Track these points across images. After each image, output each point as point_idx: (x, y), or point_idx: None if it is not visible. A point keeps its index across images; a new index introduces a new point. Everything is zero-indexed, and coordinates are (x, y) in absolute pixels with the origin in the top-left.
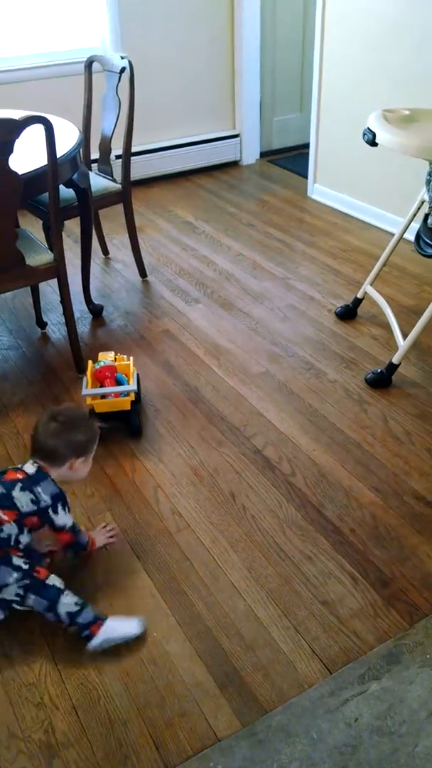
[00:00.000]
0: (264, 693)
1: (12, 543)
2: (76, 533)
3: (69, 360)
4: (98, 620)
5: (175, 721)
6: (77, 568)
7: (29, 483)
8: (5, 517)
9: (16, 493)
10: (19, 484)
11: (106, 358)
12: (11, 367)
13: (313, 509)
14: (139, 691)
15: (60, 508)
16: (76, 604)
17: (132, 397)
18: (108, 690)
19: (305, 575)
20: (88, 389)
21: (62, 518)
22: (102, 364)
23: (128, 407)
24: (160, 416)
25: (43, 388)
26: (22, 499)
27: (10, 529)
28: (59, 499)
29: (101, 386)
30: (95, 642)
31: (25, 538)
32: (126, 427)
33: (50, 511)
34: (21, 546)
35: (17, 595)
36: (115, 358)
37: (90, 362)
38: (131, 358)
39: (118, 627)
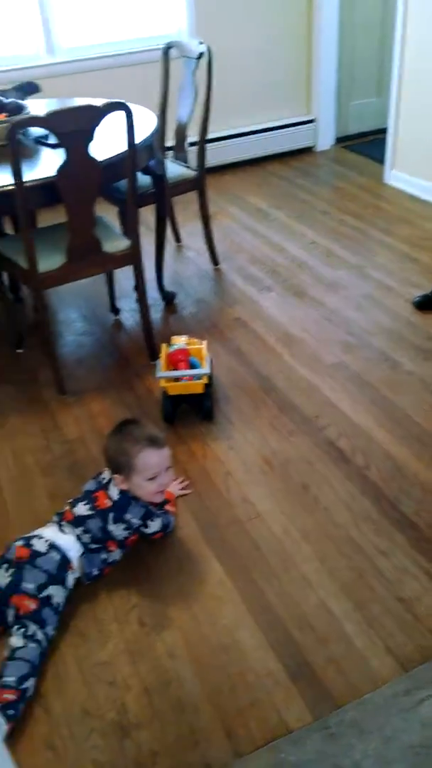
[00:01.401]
0: (336, 687)
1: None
2: (165, 530)
3: (142, 346)
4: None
5: (245, 709)
6: (152, 552)
7: (119, 512)
8: (112, 548)
9: (111, 526)
10: (111, 515)
11: (180, 341)
12: (86, 353)
13: (388, 503)
14: (210, 678)
15: (149, 522)
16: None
17: (205, 380)
18: (179, 674)
19: (380, 570)
20: (162, 372)
21: (153, 527)
22: (176, 347)
23: (201, 390)
24: (231, 404)
25: (117, 373)
26: (118, 530)
27: (113, 555)
28: (148, 516)
29: (175, 369)
30: None
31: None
32: (198, 410)
33: (142, 528)
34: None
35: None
36: (189, 342)
37: (164, 345)
38: (204, 341)
39: None
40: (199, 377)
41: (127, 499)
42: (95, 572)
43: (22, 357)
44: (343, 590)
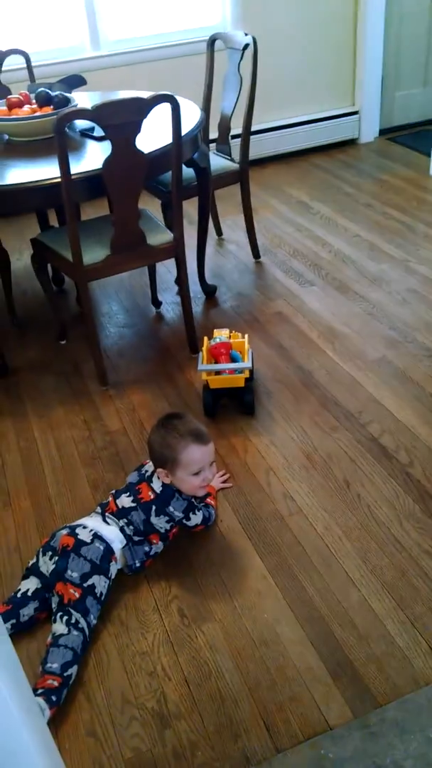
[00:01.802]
0: (378, 686)
1: (152, 555)
2: (207, 522)
3: (183, 339)
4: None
5: (285, 704)
6: (194, 545)
7: (161, 505)
8: (155, 541)
9: (154, 519)
10: (154, 508)
11: (222, 334)
12: (127, 345)
13: None
14: (250, 671)
15: (191, 515)
16: None
17: (246, 374)
18: (219, 667)
19: (423, 570)
20: (203, 365)
21: (194, 520)
22: (217, 340)
23: (242, 384)
24: (272, 399)
25: (158, 366)
26: (160, 523)
27: (155, 548)
28: (190, 509)
29: (216, 362)
30: None
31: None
32: (239, 404)
33: (184, 520)
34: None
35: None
36: (230, 336)
37: (205, 338)
38: (246, 335)
39: None
40: (240, 371)
41: (170, 492)
42: (137, 564)
43: (65, 349)
44: (386, 588)
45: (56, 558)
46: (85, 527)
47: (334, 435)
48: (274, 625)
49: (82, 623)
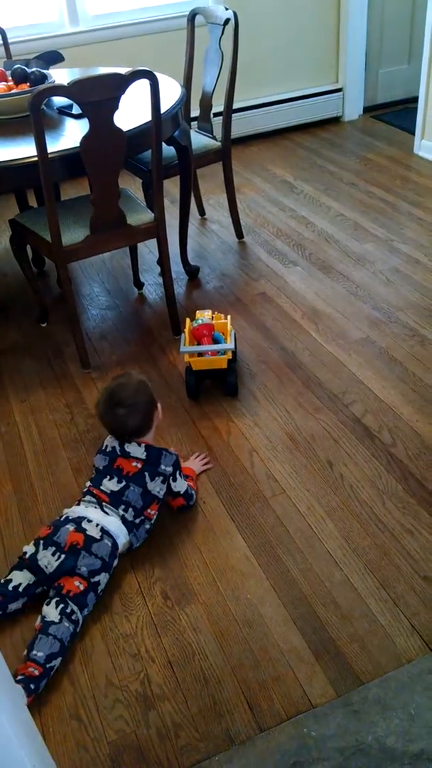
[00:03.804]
0: (360, 664)
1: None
2: (188, 498)
3: (165, 320)
4: None
5: (269, 684)
6: (177, 527)
7: (152, 467)
8: (152, 512)
9: (151, 485)
10: (147, 473)
11: (204, 316)
12: (109, 327)
13: (415, 481)
14: (234, 652)
15: (178, 474)
16: None
17: (229, 355)
18: (203, 648)
19: (405, 549)
20: (186, 347)
21: (179, 485)
22: (200, 322)
23: (225, 365)
24: (255, 380)
25: (140, 347)
26: (157, 487)
27: (152, 522)
28: (177, 465)
29: (199, 344)
30: None
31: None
32: (222, 385)
33: (170, 479)
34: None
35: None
36: (213, 317)
37: (188, 320)
38: (228, 316)
39: None
40: (223, 352)
41: (155, 451)
42: (138, 544)
43: (46, 331)
44: (368, 568)
45: (62, 555)
46: (90, 521)
47: (317, 415)
48: (257, 606)
49: (77, 616)
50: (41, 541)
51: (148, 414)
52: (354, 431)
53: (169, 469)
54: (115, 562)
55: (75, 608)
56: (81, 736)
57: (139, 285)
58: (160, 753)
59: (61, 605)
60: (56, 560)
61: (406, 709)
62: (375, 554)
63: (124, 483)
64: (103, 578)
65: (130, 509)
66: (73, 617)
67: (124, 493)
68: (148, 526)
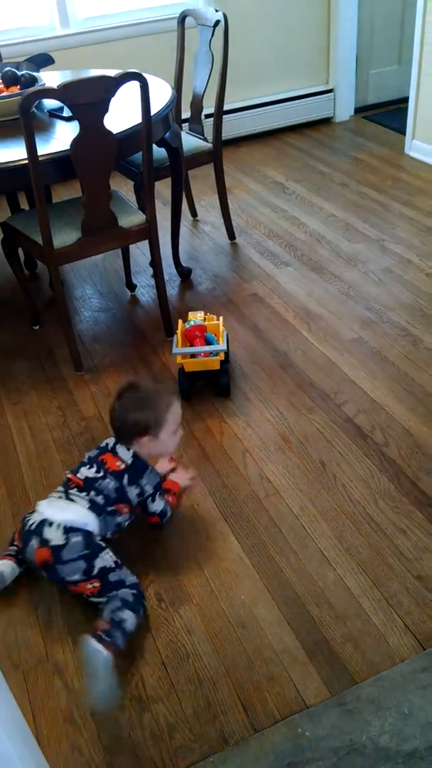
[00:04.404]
0: (354, 664)
1: (119, 529)
2: (163, 518)
3: (158, 322)
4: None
5: (263, 684)
6: (170, 528)
7: (134, 475)
8: (125, 510)
9: (127, 487)
10: (126, 477)
11: (196, 317)
12: (102, 329)
13: (408, 481)
14: (228, 653)
15: (158, 496)
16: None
17: (221, 356)
18: (197, 649)
19: (398, 548)
20: (178, 348)
21: (157, 505)
22: (192, 323)
23: (217, 367)
24: (248, 381)
25: (133, 349)
26: (132, 493)
27: (123, 518)
28: (158, 488)
29: (191, 345)
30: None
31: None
32: (215, 387)
33: (149, 499)
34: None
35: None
36: (205, 318)
37: (180, 321)
38: (221, 318)
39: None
40: (215, 354)
41: (143, 463)
42: (108, 535)
43: (39, 334)
44: (361, 567)
45: (42, 572)
46: (51, 524)
47: (309, 416)
48: (251, 607)
49: (123, 593)
50: (19, 556)
51: (135, 428)
52: (346, 431)
53: (149, 488)
54: (103, 543)
55: (113, 594)
56: (75, 738)
57: (131, 287)
58: (155, 754)
59: (107, 603)
60: (43, 572)
61: (400, 708)
62: (368, 554)
63: (101, 474)
64: (102, 560)
65: (101, 496)
66: (119, 598)
67: (99, 481)
68: (119, 519)
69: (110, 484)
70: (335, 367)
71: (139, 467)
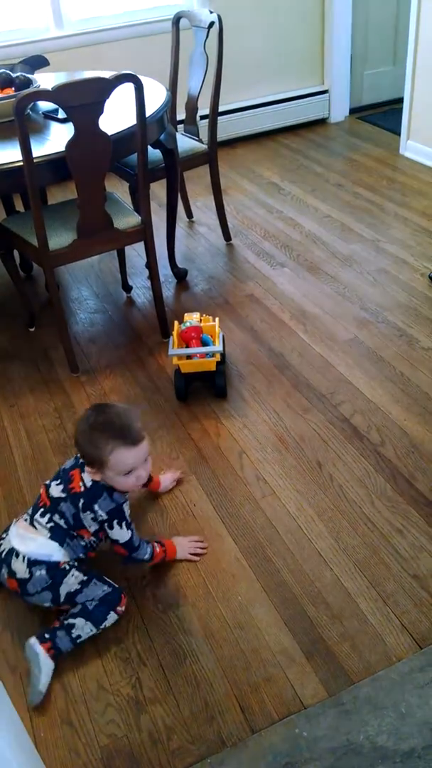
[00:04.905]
0: (351, 664)
1: (91, 548)
2: (130, 550)
3: (154, 324)
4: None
5: (260, 685)
6: (167, 530)
7: (88, 500)
8: (85, 536)
9: (82, 514)
10: (81, 502)
11: (192, 318)
12: (98, 331)
13: (404, 481)
14: (225, 654)
15: (115, 523)
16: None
17: (217, 357)
18: (194, 650)
19: (395, 548)
20: (174, 349)
21: (116, 533)
22: (188, 324)
23: (214, 368)
24: (244, 381)
25: (129, 351)
26: (86, 520)
27: (89, 542)
28: (116, 515)
29: (187, 346)
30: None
31: (103, 542)
32: (211, 387)
33: (106, 525)
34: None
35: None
36: (201, 319)
37: (176, 323)
38: (217, 319)
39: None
40: (211, 355)
41: (99, 490)
42: (82, 556)
43: (35, 336)
44: (358, 568)
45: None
46: (18, 555)
47: (306, 416)
48: (248, 608)
49: (89, 603)
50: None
51: (82, 455)
52: (343, 431)
53: (102, 513)
54: (66, 568)
55: (81, 620)
56: (73, 741)
57: (127, 288)
58: (152, 756)
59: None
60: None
61: (397, 707)
62: (365, 553)
63: (64, 495)
64: (65, 587)
65: (63, 520)
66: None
67: (61, 503)
68: (84, 543)
69: (70, 509)
70: (331, 367)
71: (94, 492)
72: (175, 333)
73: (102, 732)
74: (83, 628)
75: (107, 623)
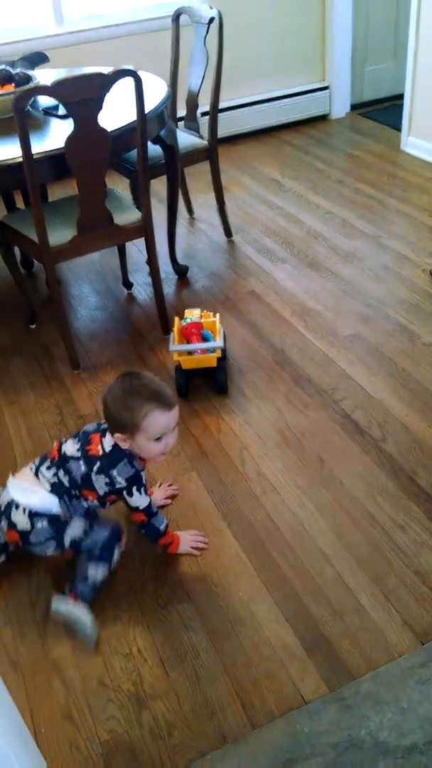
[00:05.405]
0: (352, 659)
1: (93, 512)
2: (149, 515)
3: (155, 320)
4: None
5: (261, 681)
6: (168, 525)
7: (106, 464)
8: (90, 497)
9: (95, 476)
10: (97, 464)
11: (192, 314)
12: (99, 328)
13: (405, 476)
14: (225, 650)
15: (135, 490)
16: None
17: (218, 353)
18: (195, 646)
19: (396, 544)
20: (175, 345)
21: (136, 500)
22: (188, 320)
23: (214, 364)
24: (245, 378)
25: (130, 347)
26: (99, 483)
27: (92, 505)
28: (135, 481)
29: (188, 342)
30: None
31: (105, 507)
32: (212, 383)
33: (125, 492)
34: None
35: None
36: (202, 315)
37: (176, 319)
38: (217, 315)
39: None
40: (212, 350)
41: (119, 455)
42: (82, 512)
43: (35, 332)
44: (360, 563)
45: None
46: (18, 506)
47: (307, 412)
48: (249, 604)
49: (97, 552)
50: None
51: (111, 422)
52: (344, 427)
53: (120, 479)
54: (70, 520)
55: (87, 558)
56: (74, 736)
57: (128, 285)
58: (153, 752)
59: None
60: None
61: (399, 703)
62: (366, 550)
63: (79, 455)
64: (70, 534)
65: (68, 478)
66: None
67: (71, 462)
68: (86, 505)
69: (80, 468)
70: (332, 363)
71: (114, 458)
72: (175, 329)
73: (103, 728)
74: (96, 573)
75: (115, 559)
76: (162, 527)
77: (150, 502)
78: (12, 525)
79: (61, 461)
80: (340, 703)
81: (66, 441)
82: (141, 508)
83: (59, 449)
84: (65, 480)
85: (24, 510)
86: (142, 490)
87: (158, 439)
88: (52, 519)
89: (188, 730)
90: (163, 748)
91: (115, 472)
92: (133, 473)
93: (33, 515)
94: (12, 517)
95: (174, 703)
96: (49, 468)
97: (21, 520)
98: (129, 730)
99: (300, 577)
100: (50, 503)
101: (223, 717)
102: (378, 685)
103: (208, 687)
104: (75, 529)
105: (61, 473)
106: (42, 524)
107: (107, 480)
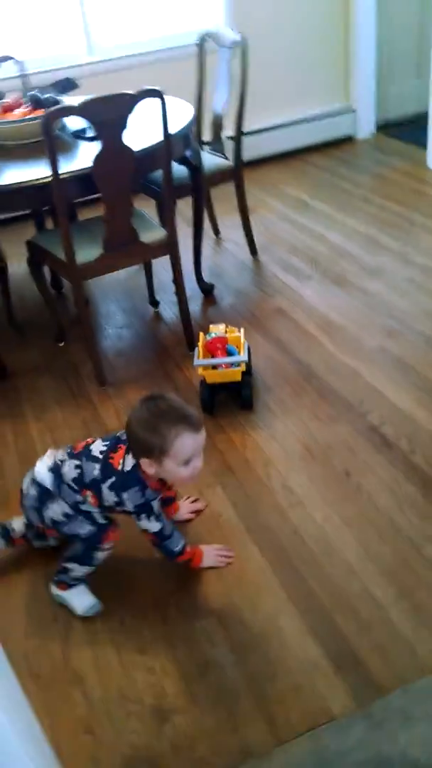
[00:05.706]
0: (381, 674)
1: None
2: (161, 539)
3: (180, 338)
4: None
5: (286, 696)
6: (192, 539)
7: (119, 484)
8: (91, 500)
9: (105, 488)
10: (112, 480)
11: (217, 330)
12: (125, 345)
13: None
14: (250, 664)
15: (143, 516)
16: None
17: (243, 368)
18: (219, 660)
19: (425, 557)
20: (199, 359)
21: (145, 525)
22: (213, 335)
23: (239, 378)
24: (271, 393)
25: (156, 365)
26: (108, 496)
27: (85, 505)
28: (143, 510)
29: (212, 357)
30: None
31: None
32: (237, 399)
33: (133, 516)
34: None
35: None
36: (226, 330)
37: (201, 334)
38: (242, 329)
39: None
40: (236, 365)
41: (133, 479)
42: (67, 503)
43: (64, 350)
44: (387, 577)
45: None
46: (31, 471)
47: (333, 426)
48: (274, 618)
49: (76, 545)
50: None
51: (137, 446)
52: (371, 440)
53: (129, 505)
54: (55, 498)
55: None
56: (95, 750)
57: (154, 303)
58: (175, 767)
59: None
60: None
61: (430, 718)
62: (394, 562)
63: (101, 457)
64: (49, 513)
65: (76, 471)
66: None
67: (90, 461)
68: (78, 499)
69: (93, 471)
70: (359, 377)
71: (128, 482)
72: (200, 344)
73: (123, 741)
74: (78, 570)
75: (97, 561)
76: (178, 548)
77: (162, 527)
78: (22, 484)
79: (82, 454)
80: (369, 719)
81: (97, 440)
82: (150, 531)
83: (87, 444)
84: (70, 471)
85: (31, 473)
86: (152, 518)
87: (186, 463)
88: (43, 491)
89: (210, 744)
90: (185, 762)
91: (125, 495)
92: (143, 502)
93: (33, 481)
94: (25, 478)
95: (196, 717)
96: (68, 453)
97: (26, 481)
98: (150, 743)
99: (326, 590)
100: (45, 476)
101: (247, 732)
102: (408, 701)
103: (231, 701)
104: (56, 510)
105: (71, 462)
106: (33, 492)
107: (117, 499)
